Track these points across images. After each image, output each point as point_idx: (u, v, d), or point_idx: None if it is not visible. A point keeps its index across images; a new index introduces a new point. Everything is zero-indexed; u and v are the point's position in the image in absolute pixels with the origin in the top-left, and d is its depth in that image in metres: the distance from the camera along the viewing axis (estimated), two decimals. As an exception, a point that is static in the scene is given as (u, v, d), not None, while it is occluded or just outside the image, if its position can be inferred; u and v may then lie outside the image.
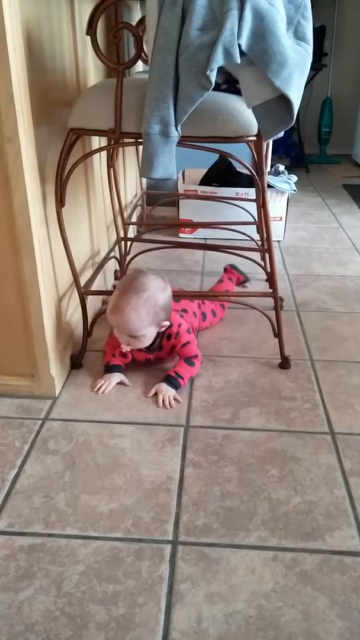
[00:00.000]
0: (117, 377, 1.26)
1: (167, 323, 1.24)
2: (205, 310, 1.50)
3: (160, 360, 1.33)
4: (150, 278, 1.21)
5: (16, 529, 0.89)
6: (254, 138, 1.13)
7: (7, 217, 1.04)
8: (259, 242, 1.92)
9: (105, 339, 1.34)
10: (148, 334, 1.21)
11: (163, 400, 1.20)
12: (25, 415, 1.17)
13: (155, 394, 1.22)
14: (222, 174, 2.29)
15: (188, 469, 1.02)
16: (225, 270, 1.77)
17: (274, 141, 2.32)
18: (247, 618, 0.76)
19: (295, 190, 2.31)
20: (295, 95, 0.99)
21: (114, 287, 1.72)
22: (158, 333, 1.24)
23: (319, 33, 3.51)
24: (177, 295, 1.33)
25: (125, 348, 1.23)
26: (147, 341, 1.22)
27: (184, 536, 0.88)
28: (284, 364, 1.35)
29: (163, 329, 1.24)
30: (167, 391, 1.21)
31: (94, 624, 0.74)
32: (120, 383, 1.26)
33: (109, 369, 1.28)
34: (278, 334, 1.35)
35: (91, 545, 0.86)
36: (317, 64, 3.52)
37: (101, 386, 1.24)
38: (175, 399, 1.21)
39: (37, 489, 0.97)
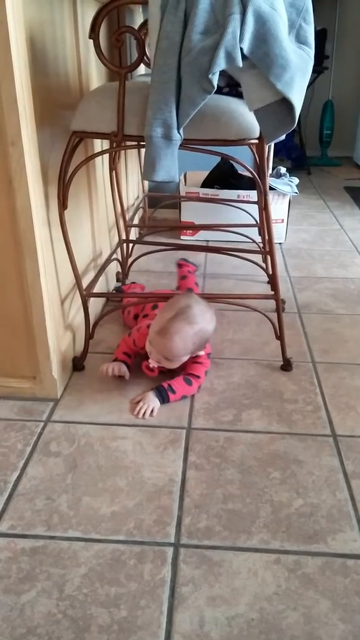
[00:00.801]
0: (121, 365, 1.27)
1: (202, 353, 1.25)
2: None
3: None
4: (203, 309, 1.20)
5: (18, 531, 0.89)
6: (256, 141, 1.13)
7: (10, 219, 1.04)
8: (261, 244, 1.92)
9: (107, 341, 1.34)
10: (183, 360, 1.22)
11: (140, 409, 1.17)
12: (27, 417, 1.17)
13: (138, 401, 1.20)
14: (224, 177, 2.30)
15: (190, 472, 1.02)
16: (180, 265, 1.76)
17: (275, 143, 2.32)
18: (249, 621, 0.76)
19: (296, 193, 2.31)
20: (297, 99, 0.99)
21: (115, 290, 1.73)
22: None
23: (320, 36, 3.52)
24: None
25: (154, 364, 1.22)
26: (178, 364, 1.23)
27: (186, 539, 0.88)
28: (286, 366, 1.35)
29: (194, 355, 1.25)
30: (149, 401, 1.18)
31: (96, 626, 0.74)
32: (122, 375, 1.27)
33: (120, 360, 1.29)
34: (280, 336, 1.35)
35: (93, 547, 0.86)
36: (319, 66, 3.53)
37: (107, 368, 1.26)
38: (151, 414, 1.16)
39: (39, 491, 0.97)
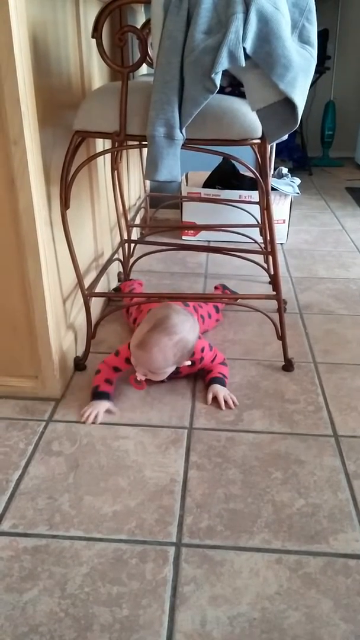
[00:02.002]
0: (104, 405, 1.17)
1: (188, 363, 1.21)
2: (203, 313, 1.49)
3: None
4: (182, 319, 1.17)
5: (20, 530, 0.89)
6: (258, 141, 1.13)
7: (12, 218, 1.05)
8: (262, 245, 1.92)
9: (108, 341, 1.34)
10: (168, 371, 1.18)
11: (226, 401, 1.20)
12: (29, 417, 1.17)
13: (214, 397, 1.22)
14: (226, 177, 2.30)
15: (192, 471, 1.02)
16: (216, 288, 1.75)
17: (276, 144, 2.32)
18: (251, 620, 0.76)
19: (298, 193, 2.31)
20: (300, 99, 0.99)
21: (114, 290, 1.73)
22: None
23: (322, 36, 3.52)
24: (178, 298, 1.33)
25: (140, 377, 1.19)
26: (164, 376, 1.20)
27: (187, 538, 0.88)
28: (288, 366, 1.35)
29: (182, 365, 1.21)
30: (224, 391, 1.22)
31: (98, 625, 0.74)
32: (108, 411, 1.18)
33: (97, 395, 1.19)
34: (282, 337, 1.35)
35: (95, 546, 0.86)
36: (320, 67, 3.53)
37: (89, 415, 1.15)
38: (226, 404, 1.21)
39: (41, 491, 0.97)
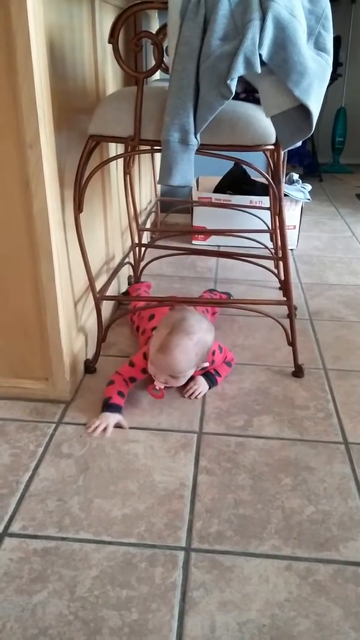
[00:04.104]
0: (115, 418, 1.14)
1: (206, 364, 1.22)
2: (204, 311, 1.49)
3: None
4: (198, 318, 1.18)
5: (30, 531, 0.89)
6: (272, 147, 1.13)
7: (26, 221, 1.05)
8: (273, 250, 1.92)
9: (119, 344, 1.34)
10: (189, 375, 1.19)
11: (191, 391, 1.23)
12: (39, 419, 1.17)
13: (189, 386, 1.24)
14: (237, 182, 2.30)
15: (201, 476, 1.02)
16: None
17: (287, 150, 2.33)
18: (260, 627, 0.75)
19: (309, 199, 2.31)
20: (315, 105, 0.99)
21: (124, 294, 1.73)
22: None
23: (334, 43, 3.51)
24: (185, 302, 1.32)
25: (160, 386, 1.18)
26: (184, 381, 1.20)
27: (197, 543, 0.88)
28: (298, 372, 1.35)
29: (200, 368, 1.23)
30: (200, 385, 1.24)
31: (107, 629, 0.74)
32: (118, 426, 1.14)
33: (108, 407, 1.16)
34: (292, 342, 1.35)
35: (104, 550, 0.86)
36: (332, 73, 3.53)
37: (97, 427, 1.12)
38: (197, 396, 1.24)
39: (51, 493, 0.97)
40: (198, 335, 1.15)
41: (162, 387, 1.18)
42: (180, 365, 1.14)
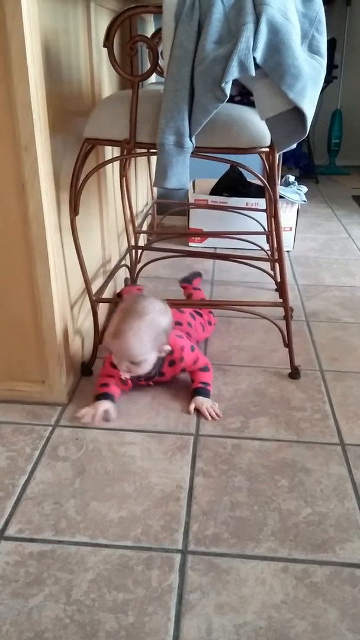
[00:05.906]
0: (104, 404, 1.17)
1: (168, 348, 1.20)
2: (203, 322, 1.48)
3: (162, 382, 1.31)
4: (151, 301, 1.18)
5: (26, 535, 0.89)
6: (267, 149, 1.14)
7: (22, 224, 1.05)
8: (269, 252, 1.93)
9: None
10: (149, 359, 1.16)
11: (208, 412, 1.19)
12: (35, 422, 1.17)
13: (196, 409, 1.21)
14: (233, 184, 2.31)
15: (198, 478, 1.02)
16: (184, 288, 1.73)
17: (283, 152, 2.33)
18: (257, 629, 0.75)
19: (305, 201, 2.32)
20: (309, 108, 1.00)
21: (117, 296, 1.73)
22: (158, 358, 1.20)
23: (330, 46, 3.52)
24: (179, 305, 1.32)
25: (125, 375, 1.18)
26: (147, 367, 1.18)
27: (193, 545, 0.88)
28: (294, 374, 1.35)
29: (163, 354, 1.20)
30: (207, 403, 1.21)
31: (103, 632, 0.74)
32: (106, 412, 1.17)
33: (96, 397, 1.20)
34: (288, 344, 1.35)
35: (101, 552, 0.86)
36: (328, 76, 3.52)
37: (85, 414, 1.16)
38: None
39: (47, 496, 0.97)
40: (150, 316, 1.14)
41: (128, 376, 1.19)
42: (134, 348, 1.13)
